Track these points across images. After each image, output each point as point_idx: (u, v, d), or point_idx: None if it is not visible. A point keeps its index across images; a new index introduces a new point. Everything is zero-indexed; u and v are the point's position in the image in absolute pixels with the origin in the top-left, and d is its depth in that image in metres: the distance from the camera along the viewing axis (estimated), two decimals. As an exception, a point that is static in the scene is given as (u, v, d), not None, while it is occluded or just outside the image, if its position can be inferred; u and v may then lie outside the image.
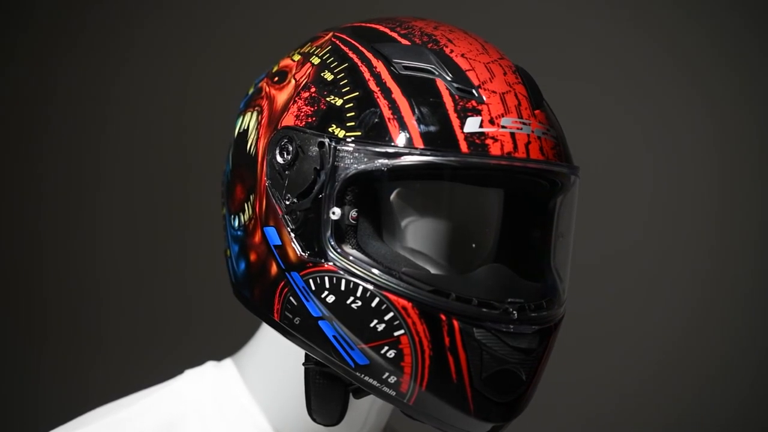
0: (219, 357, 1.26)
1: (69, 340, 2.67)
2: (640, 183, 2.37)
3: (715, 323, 2.35)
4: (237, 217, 1.10)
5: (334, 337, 1.01)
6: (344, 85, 1.03)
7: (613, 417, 2.37)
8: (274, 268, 1.04)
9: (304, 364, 1.08)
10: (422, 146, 0.98)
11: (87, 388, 2.59)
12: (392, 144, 0.98)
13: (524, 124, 1.01)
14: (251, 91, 1.16)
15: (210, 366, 1.20)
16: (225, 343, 1.62)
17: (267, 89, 1.10)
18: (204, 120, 2.57)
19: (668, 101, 2.34)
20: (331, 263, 1.00)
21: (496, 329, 0.99)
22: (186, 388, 1.17)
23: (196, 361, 1.27)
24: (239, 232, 1.09)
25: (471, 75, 1.02)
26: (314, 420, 1.09)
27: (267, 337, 1.16)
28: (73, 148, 2.68)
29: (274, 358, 1.15)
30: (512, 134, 1.00)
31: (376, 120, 1.00)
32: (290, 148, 1.02)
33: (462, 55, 1.04)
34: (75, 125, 2.67)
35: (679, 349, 2.35)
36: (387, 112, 1.00)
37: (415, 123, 0.99)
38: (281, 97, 1.07)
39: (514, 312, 1.01)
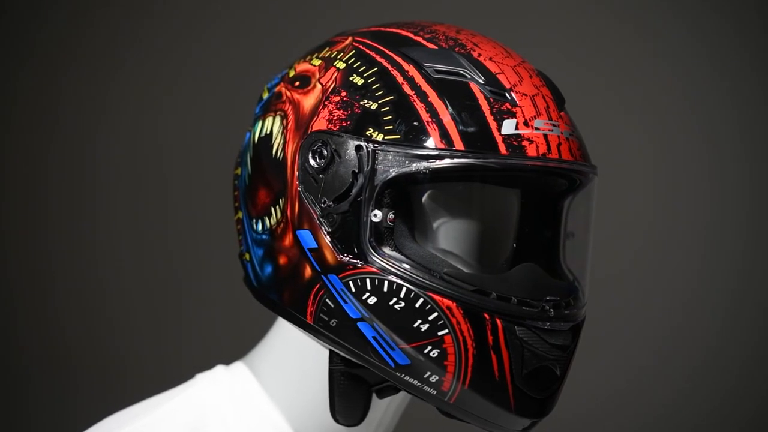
0: (215, 359, 1.26)
1: (65, 342, 2.62)
2: (638, 183, 2.37)
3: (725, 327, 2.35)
4: (261, 221, 1.09)
5: (374, 338, 1.02)
6: (377, 89, 1.04)
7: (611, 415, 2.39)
8: (308, 271, 1.04)
9: (330, 366, 1.08)
10: (463, 148, 1.00)
11: (82, 391, 2.56)
12: (433, 146, 1.00)
13: (554, 125, 1.04)
14: (266, 95, 1.15)
15: (221, 370, 1.19)
16: (220, 346, 1.61)
17: (288, 94, 1.10)
18: (203, 125, 2.55)
19: (671, 99, 2.35)
20: (371, 265, 1.01)
21: (535, 327, 1.02)
22: (203, 393, 1.16)
23: (193, 363, 1.26)
24: (264, 236, 1.08)
25: (502, 78, 1.04)
26: (337, 421, 1.10)
27: (282, 339, 1.16)
28: (66, 153, 2.63)
29: (293, 360, 1.15)
30: (545, 136, 1.03)
31: (415, 123, 1.01)
32: (324, 152, 1.03)
33: (490, 59, 1.06)
34: (71, 130, 2.63)
35: (671, 351, 2.36)
36: (425, 115, 1.01)
37: (454, 125, 1.01)
38: (308, 101, 1.07)
39: (551, 310, 1.03)
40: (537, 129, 1.03)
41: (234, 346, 1.42)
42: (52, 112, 2.62)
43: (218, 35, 2.54)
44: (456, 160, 1.00)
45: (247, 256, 1.13)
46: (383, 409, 1.16)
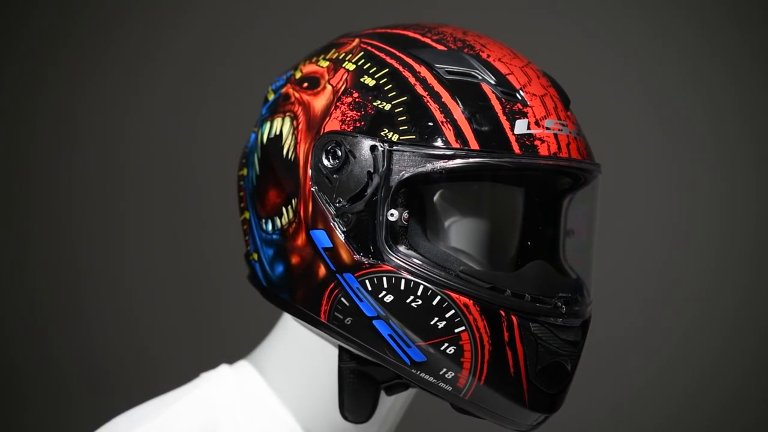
0: (215, 358, 1.26)
1: (65, 342, 2.61)
2: (643, 184, 2.36)
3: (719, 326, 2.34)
4: (270, 221, 1.10)
5: (390, 335, 1.03)
6: (389, 90, 1.05)
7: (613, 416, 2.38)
8: (322, 270, 1.05)
9: (340, 364, 1.10)
10: (478, 148, 1.02)
11: (82, 392, 2.55)
12: (449, 146, 1.01)
13: (563, 125, 1.06)
14: (272, 97, 1.16)
15: (226, 369, 1.20)
16: (219, 345, 1.60)
17: (297, 95, 1.11)
18: (203, 126, 2.54)
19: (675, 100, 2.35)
20: (388, 264, 1.02)
21: (548, 323, 1.04)
22: (212, 393, 1.16)
23: (192, 362, 1.26)
24: (275, 236, 1.09)
25: (512, 79, 1.06)
26: (345, 418, 1.11)
27: (287, 337, 1.17)
28: (72, 153, 2.61)
29: (299, 358, 1.16)
30: (555, 135, 1.05)
31: (430, 123, 1.02)
32: (338, 153, 1.04)
33: (499, 60, 1.08)
34: (76, 135, 2.61)
35: (679, 352, 2.36)
36: (439, 116, 1.02)
37: (468, 125, 1.02)
38: (318, 102, 1.08)
39: (563, 306, 1.05)
40: (548, 129, 1.05)
41: (234, 345, 1.43)
42: (67, 113, 2.61)
43: (219, 35, 2.54)
44: (471, 160, 1.01)
45: (255, 256, 1.13)
46: (389, 406, 1.18)
